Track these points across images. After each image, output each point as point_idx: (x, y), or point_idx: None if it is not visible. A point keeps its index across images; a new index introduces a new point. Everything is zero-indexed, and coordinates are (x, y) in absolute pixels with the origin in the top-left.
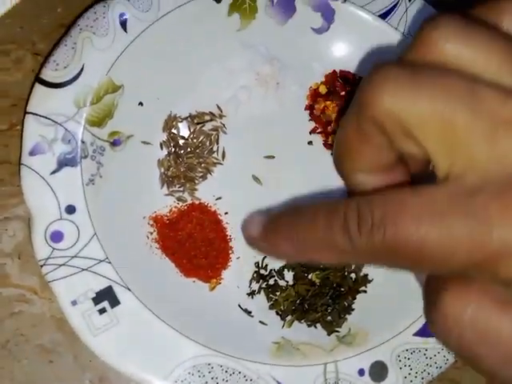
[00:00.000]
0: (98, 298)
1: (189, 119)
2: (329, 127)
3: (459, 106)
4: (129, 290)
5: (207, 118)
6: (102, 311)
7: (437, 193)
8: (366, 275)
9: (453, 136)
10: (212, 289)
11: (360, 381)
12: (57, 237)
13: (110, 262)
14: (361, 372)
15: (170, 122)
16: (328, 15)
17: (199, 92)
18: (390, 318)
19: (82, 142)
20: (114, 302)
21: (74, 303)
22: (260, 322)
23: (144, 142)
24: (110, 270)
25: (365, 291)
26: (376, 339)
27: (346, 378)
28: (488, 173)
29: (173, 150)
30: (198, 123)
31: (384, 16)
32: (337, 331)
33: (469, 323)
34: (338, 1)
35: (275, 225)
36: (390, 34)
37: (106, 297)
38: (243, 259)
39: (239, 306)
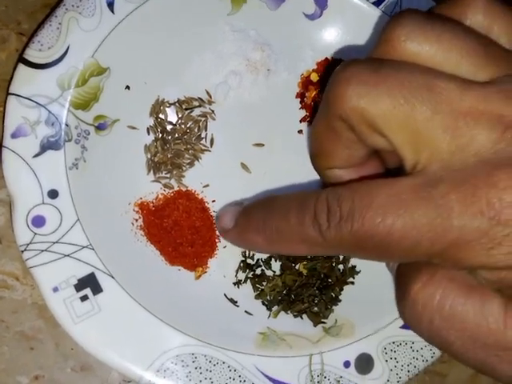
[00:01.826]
0: (80, 284)
1: (177, 104)
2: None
3: (418, 100)
4: (112, 277)
5: (196, 103)
6: (84, 298)
7: (402, 184)
8: (353, 267)
9: (415, 130)
10: (197, 277)
11: (345, 373)
12: (38, 222)
13: (93, 249)
14: (346, 364)
15: (158, 107)
16: (321, 1)
17: (188, 76)
18: (377, 311)
19: (66, 125)
20: (97, 289)
21: (55, 290)
22: (246, 311)
23: (130, 127)
24: (93, 257)
25: (352, 283)
26: (362, 331)
27: (332, 369)
28: (449, 163)
29: (160, 135)
30: (186, 109)
31: (378, 3)
32: (323, 322)
33: (437, 309)
34: None
35: (247, 217)
36: (383, 22)
37: (89, 284)
38: (230, 248)
39: (225, 295)
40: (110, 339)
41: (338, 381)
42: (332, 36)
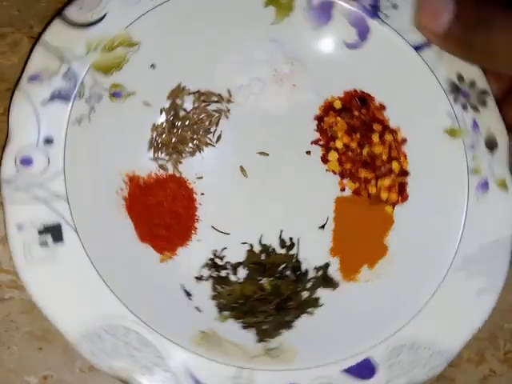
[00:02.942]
0: (44, 230)
1: (196, 94)
2: (331, 143)
3: None
4: (76, 232)
5: (214, 98)
6: (44, 244)
7: None
8: (317, 298)
9: None
10: (162, 260)
11: None
12: (26, 162)
13: (68, 202)
14: None
15: (177, 92)
16: (363, 32)
17: (214, 72)
18: (324, 347)
19: (82, 83)
20: (58, 238)
21: (19, 227)
22: (196, 307)
23: (145, 103)
24: (66, 210)
25: (311, 313)
26: (303, 363)
27: None
28: None
29: (171, 118)
30: (203, 101)
31: (419, 48)
32: (266, 341)
33: None
34: (376, 19)
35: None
36: (420, 69)
37: (52, 232)
38: (203, 243)
39: (181, 285)
40: (55, 290)
41: None
42: (366, 70)
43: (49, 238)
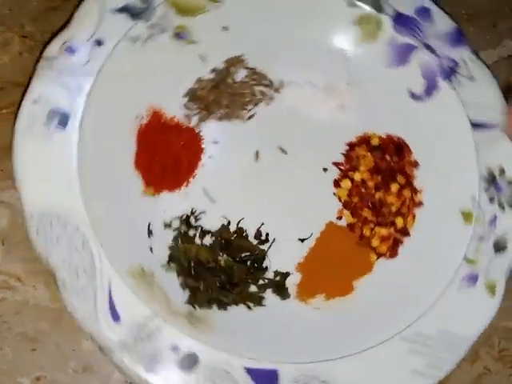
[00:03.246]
0: (54, 114)
1: (251, 71)
2: (351, 172)
3: None
4: (80, 128)
5: (265, 82)
6: (47, 124)
7: None
8: (262, 298)
9: None
10: (144, 193)
11: (170, 354)
12: (71, 50)
13: (87, 101)
14: (174, 348)
15: (236, 61)
16: (430, 88)
17: (277, 58)
18: (239, 340)
19: (154, 9)
20: (62, 125)
21: (34, 102)
22: (150, 247)
23: (201, 56)
24: (81, 106)
25: (250, 308)
26: (213, 342)
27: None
28: None
29: (218, 80)
30: (254, 79)
31: (475, 126)
32: (194, 307)
33: None
34: (448, 82)
35: None
36: (467, 145)
37: (60, 118)
38: (188, 199)
39: (149, 223)
40: (35, 165)
41: None
42: (417, 123)
43: (54, 121)
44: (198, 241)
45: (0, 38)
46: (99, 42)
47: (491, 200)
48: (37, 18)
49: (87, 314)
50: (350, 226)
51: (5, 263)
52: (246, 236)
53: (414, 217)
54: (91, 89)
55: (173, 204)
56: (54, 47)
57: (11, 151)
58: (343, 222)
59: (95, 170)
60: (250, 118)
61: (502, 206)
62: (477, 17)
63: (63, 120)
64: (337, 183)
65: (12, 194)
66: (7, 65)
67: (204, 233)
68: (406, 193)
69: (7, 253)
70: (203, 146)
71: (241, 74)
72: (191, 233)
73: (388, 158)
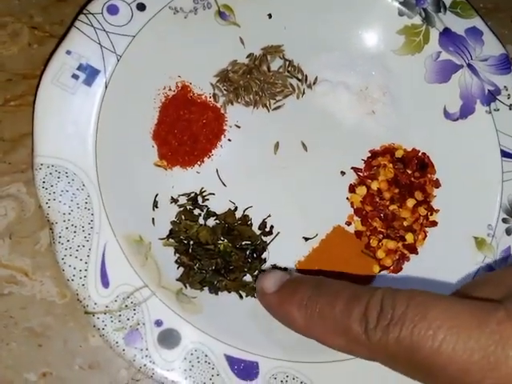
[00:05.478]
0: (84, 68)
1: (287, 62)
2: (369, 180)
3: None
4: (106, 87)
5: (299, 76)
6: (75, 77)
7: (460, 304)
8: (255, 288)
9: None
10: (156, 164)
11: (152, 328)
12: (113, 10)
13: (118, 61)
14: (158, 323)
15: (274, 50)
16: (466, 110)
17: (316, 55)
18: (226, 327)
19: None
20: (89, 81)
21: (68, 52)
22: (152, 218)
23: (240, 39)
24: (113, 65)
25: (241, 297)
26: (198, 322)
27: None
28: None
29: (253, 65)
30: (288, 71)
31: (505, 155)
32: (185, 285)
33: None
34: (486, 106)
35: (293, 289)
36: (494, 173)
37: (89, 73)
38: (199, 178)
39: (156, 195)
40: (55, 115)
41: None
42: (447, 143)
43: (83, 75)
44: (201, 221)
45: (9, 29)
46: (142, 7)
47: (508, 232)
48: (46, 9)
49: (77, 273)
50: (358, 234)
51: (11, 258)
52: (251, 225)
53: (425, 235)
54: (125, 50)
55: (183, 181)
56: (96, 4)
57: (19, 144)
58: (351, 229)
59: (113, 131)
60: (276, 108)
61: None
62: (495, 11)
63: (91, 75)
64: (352, 188)
65: (20, 188)
66: (16, 56)
67: (209, 214)
68: (422, 210)
69: (14, 247)
70: (225, 127)
71: (276, 64)
72: (196, 212)
73: (409, 172)
